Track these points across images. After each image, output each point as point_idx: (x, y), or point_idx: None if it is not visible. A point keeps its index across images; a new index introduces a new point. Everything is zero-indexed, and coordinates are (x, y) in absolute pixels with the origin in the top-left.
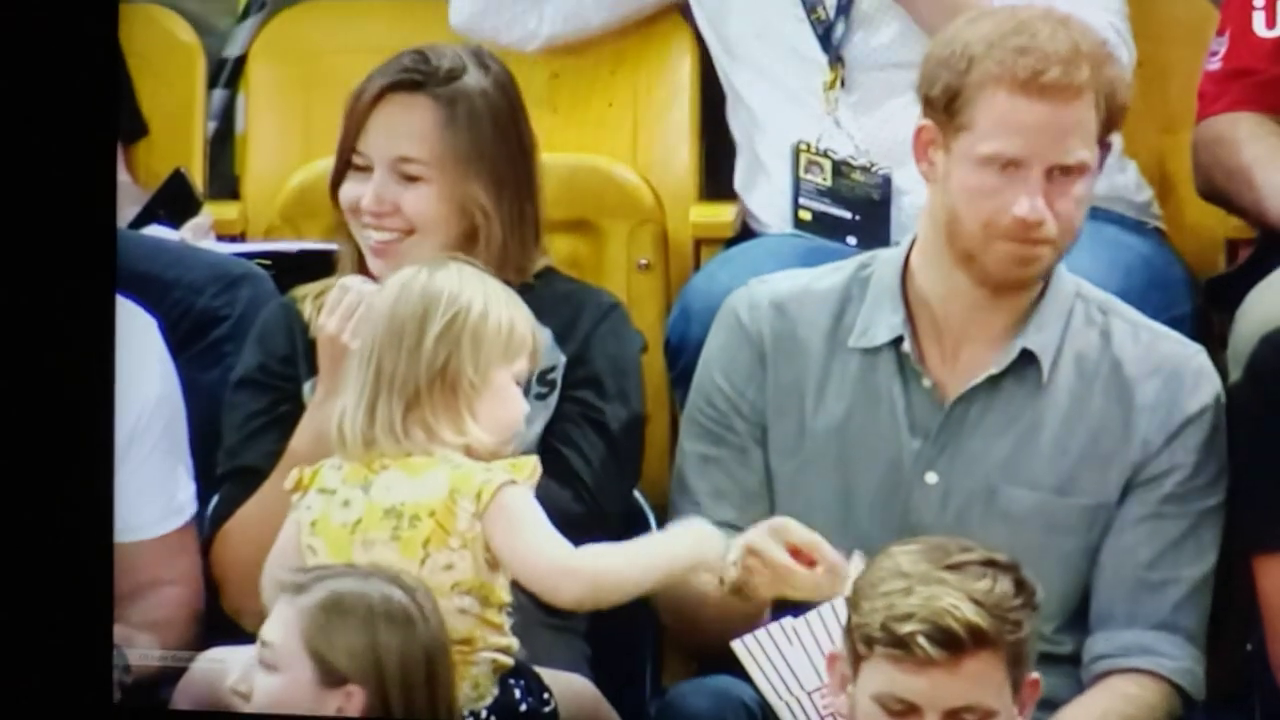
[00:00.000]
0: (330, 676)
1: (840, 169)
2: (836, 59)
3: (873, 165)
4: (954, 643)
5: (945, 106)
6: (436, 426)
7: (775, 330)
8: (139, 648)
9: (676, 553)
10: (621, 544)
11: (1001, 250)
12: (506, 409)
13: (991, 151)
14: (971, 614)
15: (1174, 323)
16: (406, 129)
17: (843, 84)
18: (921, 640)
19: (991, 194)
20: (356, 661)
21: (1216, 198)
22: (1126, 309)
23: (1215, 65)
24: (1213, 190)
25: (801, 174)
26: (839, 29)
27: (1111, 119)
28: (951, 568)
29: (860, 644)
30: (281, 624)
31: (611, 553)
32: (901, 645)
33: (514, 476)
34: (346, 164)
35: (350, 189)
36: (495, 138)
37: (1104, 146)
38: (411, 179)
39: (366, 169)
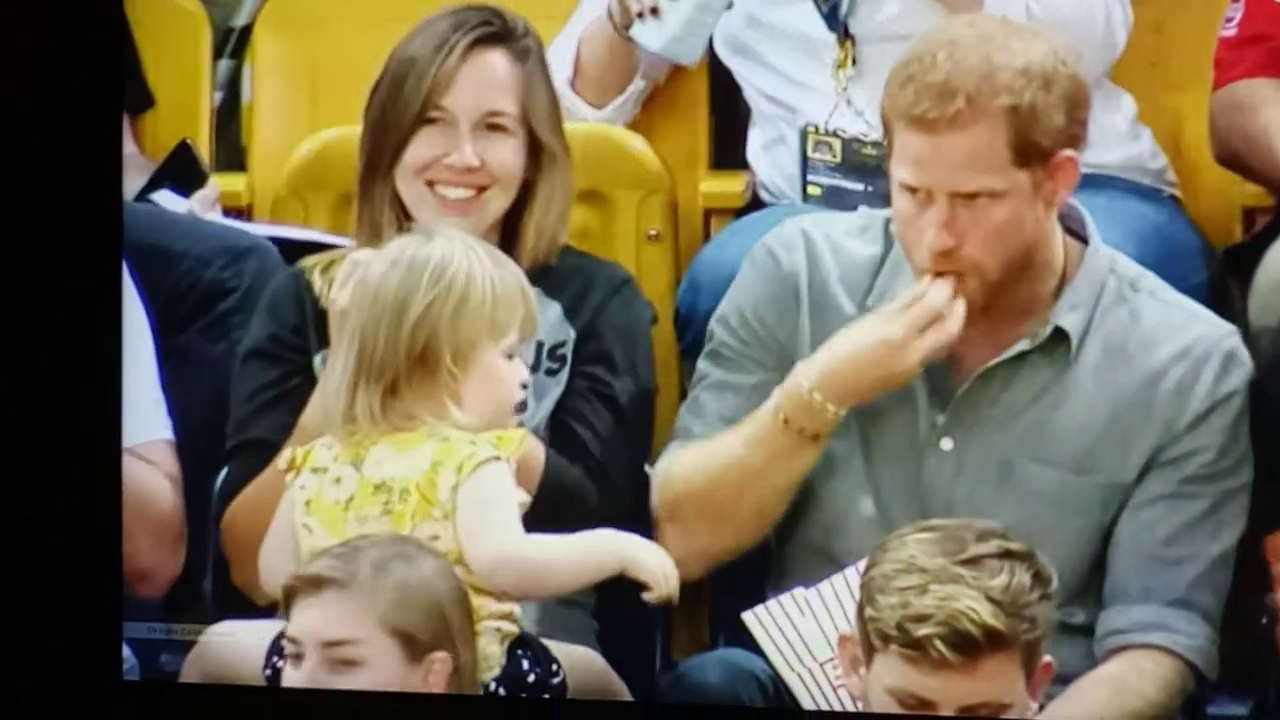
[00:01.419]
0: (414, 649)
1: (850, 146)
2: (845, 35)
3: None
4: (971, 646)
5: (882, 128)
6: (416, 411)
7: (810, 277)
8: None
9: (612, 551)
10: (567, 537)
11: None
12: (496, 388)
13: (898, 179)
14: (989, 616)
15: (1190, 292)
16: (496, 83)
17: (853, 61)
18: (938, 644)
19: (910, 220)
20: (433, 623)
21: (1234, 164)
22: (1160, 285)
23: (1231, 31)
24: (1230, 156)
25: (810, 154)
26: (844, 4)
27: (1033, 142)
28: (968, 562)
29: (875, 637)
30: (345, 617)
31: (551, 545)
32: (918, 646)
33: (498, 451)
34: (419, 122)
35: (423, 148)
36: (554, 92)
37: (1038, 168)
38: (499, 131)
39: (439, 124)
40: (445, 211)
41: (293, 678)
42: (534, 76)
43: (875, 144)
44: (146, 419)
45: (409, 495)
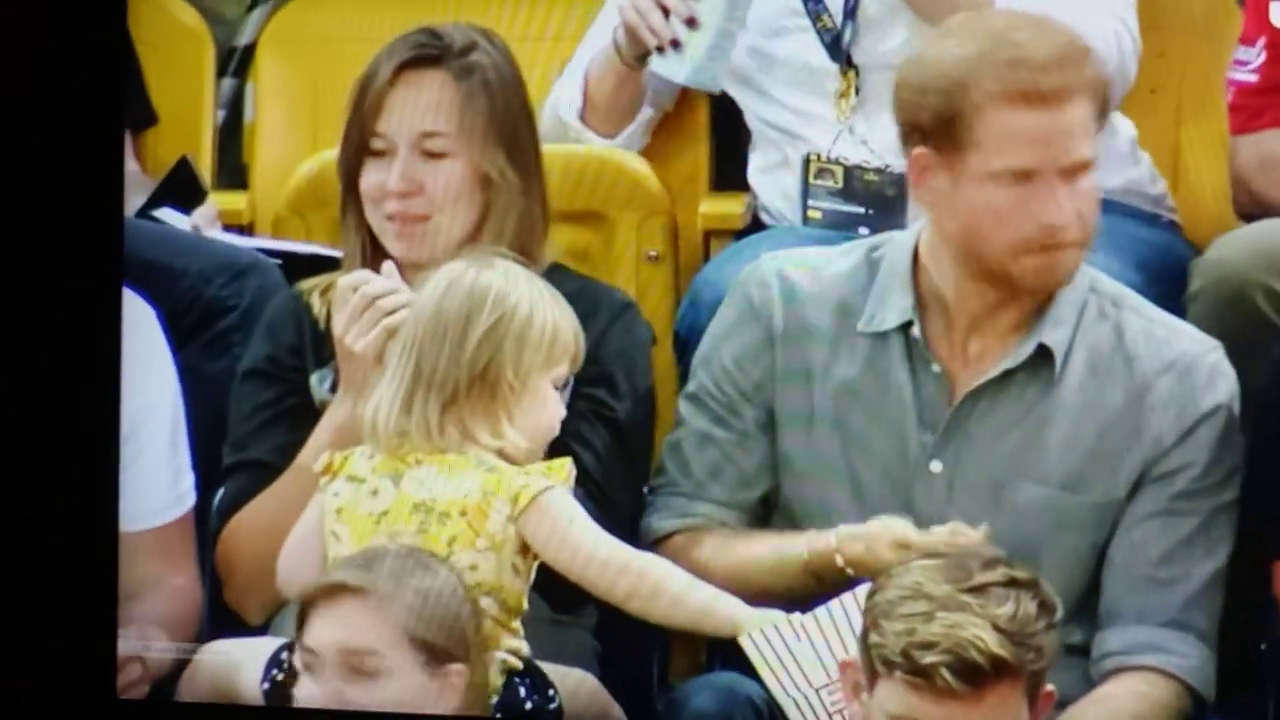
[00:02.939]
0: (433, 660)
1: (852, 173)
2: (848, 65)
3: (887, 166)
4: (977, 675)
5: (943, 132)
6: (472, 427)
7: (785, 311)
8: (146, 644)
9: (726, 619)
10: (690, 577)
11: (1031, 263)
12: (544, 414)
13: (1003, 166)
14: (995, 645)
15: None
16: (428, 104)
17: (856, 91)
18: (944, 672)
19: (1013, 208)
20: (453, 633)
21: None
22: (1141, 302)
23: (1250, 78)
24: (1269, 209)
25: (811, 180)
26: (847, 34)
27: (1103, 109)
28: (974, 590)
29: (879, 663)
30: (366, 626)
31: (679, 574)
32: (923, 674)
33: (551, 481)
34: (363, 150)
35: (371, 175)
36: (508, 106)
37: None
38: (435, 155)
39: (385, 152)
40: (400, 238)
41: (309, 691)
42: (475, 93)
43: (877, 170)
44: (163, 495)
45: (449, 519)
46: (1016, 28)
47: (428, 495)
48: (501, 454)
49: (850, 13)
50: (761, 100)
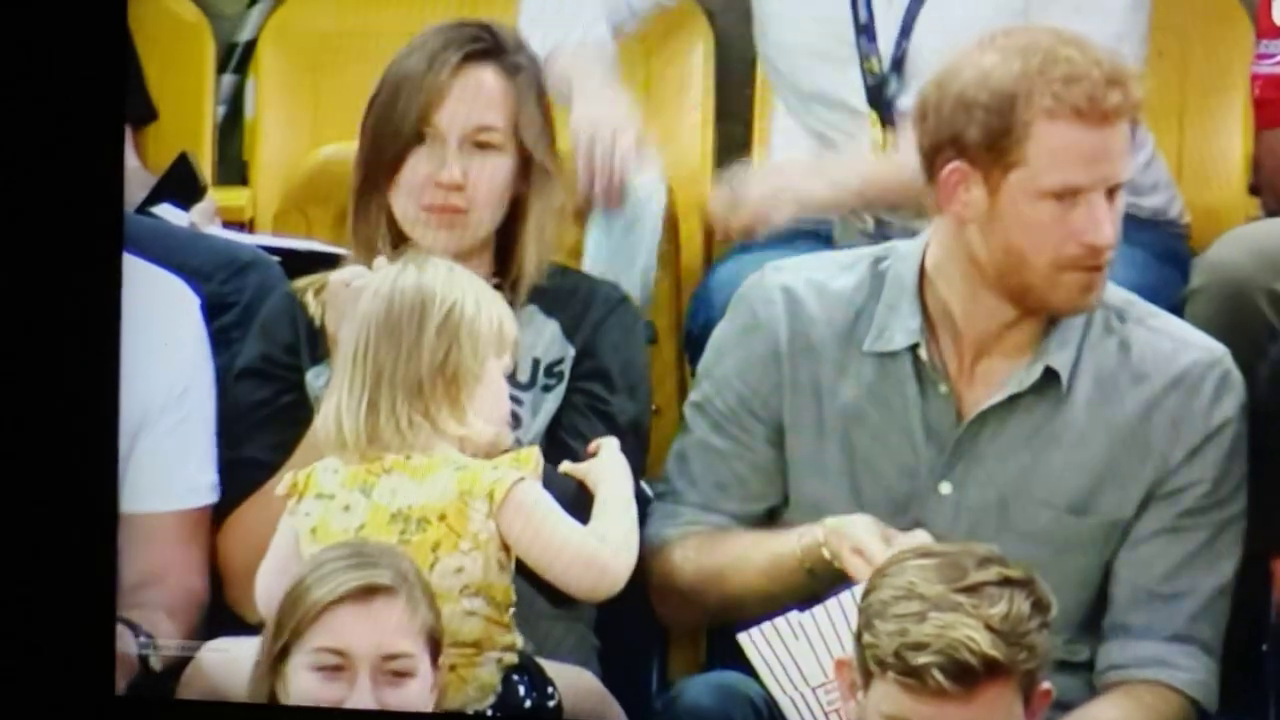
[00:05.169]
0: (435, 654)
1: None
2: (888, 119)
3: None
4: (969, 675)
5: (988, 146)
6: (439, 418)
7: (791, 327)
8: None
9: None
10: (607, 519)
11: (1068, 281)
12: (499, 400)
13: (1054, 184)
14: (987, 646)
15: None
16: (486, 98)
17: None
18: (936, 673)
19: (1054, 225)
20: (440, 626)
21: None
22: (1146, 311)
23: (1278, 69)
24: None
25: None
26: (891, 85)
27: (1135, 128)
28: (967, 590)
29: (872, 664)
30: (399, 627)
31: (612, 535)
32: (915, 675)
33: (521, 471)
34: (412, 139)
35: (418, 165)
36: (548, 108)
37: None
38: (485, 148)
39: (431, 143)
40: (438, 228)
41: (329, 692)
42: (525, 92)
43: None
44: (186, 481)
45: (429, 525)
46: (1064, 43)
47: (403, 504)
48: (464, 443)
49: (897, 65)
50: (798, 104)
